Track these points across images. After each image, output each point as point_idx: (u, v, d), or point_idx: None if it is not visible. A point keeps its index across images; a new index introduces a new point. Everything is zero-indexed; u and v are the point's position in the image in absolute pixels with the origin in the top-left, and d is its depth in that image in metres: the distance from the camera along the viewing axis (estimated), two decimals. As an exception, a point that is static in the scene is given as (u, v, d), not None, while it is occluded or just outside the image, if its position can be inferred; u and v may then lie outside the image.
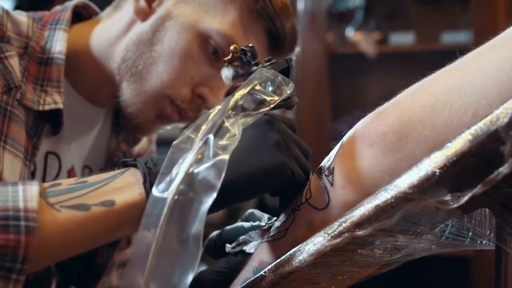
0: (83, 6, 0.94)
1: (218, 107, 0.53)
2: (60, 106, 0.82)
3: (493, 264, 0.47)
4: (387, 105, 0.53)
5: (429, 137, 0.48)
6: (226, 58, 0.61)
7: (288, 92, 0.57)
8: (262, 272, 0.53)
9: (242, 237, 0.64)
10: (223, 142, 0.50)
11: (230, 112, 0.53)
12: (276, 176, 0.56)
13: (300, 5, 2.26)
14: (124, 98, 0.89)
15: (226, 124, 0.52)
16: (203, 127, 0.52)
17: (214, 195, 0.47)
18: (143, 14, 0.88)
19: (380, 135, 0.51)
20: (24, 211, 0.48)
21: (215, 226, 0.80)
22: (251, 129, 0.57)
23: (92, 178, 0.55)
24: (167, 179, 0.50)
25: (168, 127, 0.96)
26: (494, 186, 0.41)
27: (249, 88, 0.55)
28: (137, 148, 1.05)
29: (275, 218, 0.65)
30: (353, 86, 2.49)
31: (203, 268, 0.66)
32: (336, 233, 0.47)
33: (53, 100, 0.81)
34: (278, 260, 0.52)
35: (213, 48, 0.86)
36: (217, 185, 0.47)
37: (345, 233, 0.47)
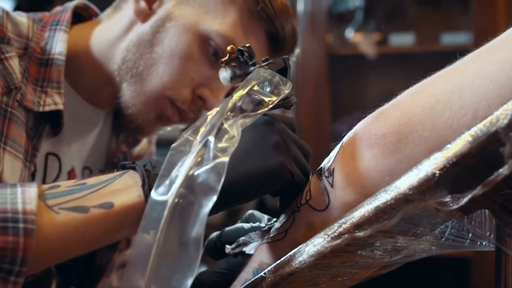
0: (83, 7, 0.94)
1: (216, 109, 0.53)
2: (60, 107, 0.82)
3: (493, 265, 0.47)
4: (387, 106, 0.53)
5: (429, 138, 0.48)
6: (223, 59, 0.61)
7: (286, 91, 0.57)
8: (262, 273, 0.53)
9: (242, 238, 0.64)
10: (222, 144, 0.50)
11: (228, 113, 0.53)
12: (275, 178, 0.56)
13: (300, 6, 2.26)
14: (124, 99, 0.89)
15: (225, 125, 0.52)
16: (202, 129, 0.52)
17: (214, 198, 0.47)
18: (143, 15, 0.88)
19: (380, 136, 0.51)
20: (22, 213, 0.48)
21: (215, 227, 0.80)
22: (250, 131, 0.57)
23: (91, 180, 0.55)
24: (167, 182, 0.49)
25: (168, 128, 0.96)
26: (494, 188, 0.41)
27: (247, 89, 0.55)
28: (137, 149, 1.05)
29: (275, 219, 0.64)
30: (353, 87, 2.49)
31: (203, 269, 0.66)
32: (336, 234, 0.47)
33: (53, 101, 0.81)
34: (278, 261, 0.52)
35: (214, 49, 0.86)
36: (217, 188, 0.47)
37: (345, 234, 0.47)
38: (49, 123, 0.83)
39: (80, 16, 0.94)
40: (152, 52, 0.86)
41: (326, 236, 0.48)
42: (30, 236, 0.48)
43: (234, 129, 0.51)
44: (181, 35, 0.85)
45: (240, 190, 0.55)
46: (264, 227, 0.65)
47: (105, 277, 0.98)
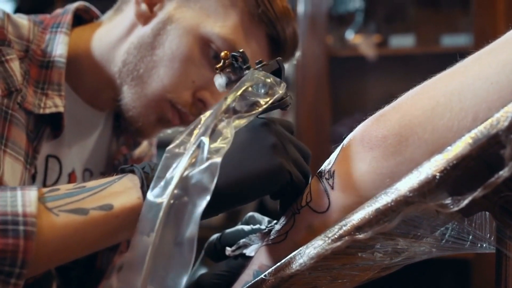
0: (84, 9, 0.94)
1: (210, 111, 0.54)
2: (61, 109, 0.82)
3: (493, 266, 0.47)
4: (387, 108, 0.53)
5: (430, 141, 0.48)
6: (217, 66, 0.61)
7: (280, 92, 0.57)
8: (262, 276, 0.53)
9: (242, 240, 0.64)
10: (215, 145, 0.51)
11: (222, 115, 0.53)
12: (274, 179, 0.56)
13: (300, 8, 2.26)
14: (125, 102, 0.89)
15: (219, 127, 0.52)
16: (196, 131, 0.52)
17: (208, 197, 0.48)
18: (144, 18, 0.88)
19: (380, 139, 0.51)
20: (22, 215, 0.48)
21: (215, 229, 0.80)
22: (247, 132, 0.57)
23: (90, 183, 0.55)
24: (162, 183, 0.50)
25: (169, 131, 0.96)
26: (494, 190, 0.41)
27: (240, 90, 0.56)
28: (138, 152, 1.05)
29: (275, 221, 0.64)
30: (353, 89, 2.49)
31: (203, 271, 0.66)
32: (336, 236, 0.47)
33: (54, 104, 0.81)
34: (279, 264, 0.52)
35: (214, 52, 0.86)
36: (211, 188, 0.48)
37: (345, 237, 0.47)
38: (50, 126, 0.83)
39: (81, 19, 0.94)
40: (153, 54, 0.86)
41: (327, 238, 0.48)
42: (30, 238, 0.48)
43: (228, 130, 0.52)
44: (182, 38, 0.85)
45: (238, 192, 0.55)
46: (265, 229, 0.65)
47: (105, 279, 0.98)
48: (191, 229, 0.47)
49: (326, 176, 0.56)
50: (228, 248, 0.64)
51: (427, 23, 2.40)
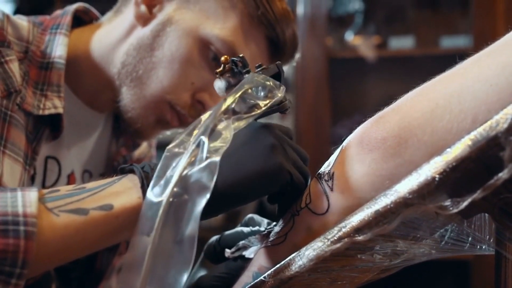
0: (84, 10, 0.94)
1: (209, 112, 0.54)
2: (60, 110, 0.82)
3: (492, 268, 0.47)
4: (386, 110, 0.53)
5: (429, 143, 0.48)
6: (218, 70, 0.62)
7: (280, 95, 0.57)
8: (261, 277, 0.54)
9: (241, 242, 0.64)
10: (214, 144, 0.51)
11: (222, 116, 0.54)
12: (274, 179, 0.56)
13: (300, 10, 2.27)
14: (124, 103, 0.89)
15: (218, 127, 0.53)
16: (196, 131, 0.53)
17: (208, 195, 0.48)
18: (143, 19, 0.88)
19: (380, 140, 0.51)
20: (23, 216, 0.49)
21: (215, 230, 0.80)
22: (247, 133, 0.57)
23: (90, 184, 0.56)
24: (161, 182, 0.51)
25: (168, 132, 0.96)
26: (493, 192, 0.41)
27: (240, 92, 0.56)
28: (137, 153, 1.05)
29: (274, 223, 0.64)
30: (352, 90, 2.49)
31: (202, 273, 0.66)
32: (335, 238, 0.47)
33: (53, 105, 0.81)
34: (278, 265, 0.52)
35: (214, 54, 0.86)
36: (210, 186, 0.48)
37: (344, 238, 0.47)
38: (49, 127, 0.83)
39: (81, 20, 0.94)
40: (152, 56, 0.86)
41: (326, 240, 0.48)
42: (30, 238, 0.48)
43: (227, 130, 0.52)
44: (182, 40, 0.85)
45: (238, 192, 0.55)
46: (264, 231, 0.65)
47: (105, 280, 0.98)
48: (191, 227, 0.48)
49: (326, 178, 0.55)
50: (227, 250, 0.64)
51: (426, 25, 2.40)
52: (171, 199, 0.49)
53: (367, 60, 2.32)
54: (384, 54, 2.37)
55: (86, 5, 0.95)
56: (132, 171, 0.57)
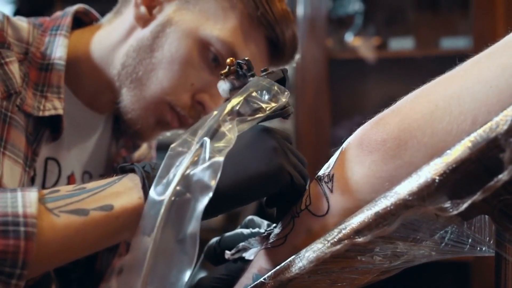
0: (84, 12, 0.94)
1: (214, 112, 0.54)
2: (60, 112, 0.82)
3: (492, 269, 0.47)
4: (386, 112, 0.53)
5: (429, 144, 0.48)
6: (222, 71, 0.62)
7: (284, 100, 0.57)
8: (261, 279, 0.54)
9: (241, 244, 0.64)
10: (218, 144, 0.51)
11: (226, 117, 0.54)
12: (275, 180, 0.56)
13: (300, 11, 2.27)
14: (124, 104, 0.89)
15: (223, 128, 0.53)
16: (200, 131, 0.53)
17: (210, 194, 0.48)
18: (143, 21, 0.88)
19: (379, 142, 0.51)
20: (23, 216, 0.49)
21: (215, 230, 0.80)
22: (249, 135, 0.57)
23: (90, 184, 0.56)
24: (164, 181, 0.51)
25: (168, 133, 0.96)
26: (493, 193, 0.41)
27: (245, 94, 0.56)
28: (137, 154, 1.05)
29: (274, 225, 0.65)
30: (352, 91, 2.49)
31: (202, 274, 0.66)
32: (335, 240, 0.47)
33: (53, 106, 0.81)
34: (278, 267, 0.52)
35: (213, 55, 0.86)
36: (213, 185, 0.48)
37: (344, 240, 0.47)
38: (49, 128, 0.83)
39: (81, 21, 0.94)
40: (152, 57, 0.86)
41: (326, 242, 0.48)
42: (30, 239, 0.48)
43: (231, 132, 0.52)
44: (181, 41, 0.85)
45: (240, 192, 0.56)
46: (264, 232, 0.65)
47: (104, 282, 0.98)
48: (193, 226, 0.48)
49: (325, 179, 0.56)
50: (227, 252, 0.64)
51: (426, 26, 2.40)
52: (173, 198, 0.49)
53: (367, 61, 2.32)
54: (384, 55, 2.37)
55: (86, 6, 0.95)
56: (132, 171, 0.57)
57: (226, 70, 0.62)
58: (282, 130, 0.63)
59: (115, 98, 0.90)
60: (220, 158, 0.50)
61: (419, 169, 0.44)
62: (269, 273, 0.53)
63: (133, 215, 0.54)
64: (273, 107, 0.56)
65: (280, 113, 0.58)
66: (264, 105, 0.56)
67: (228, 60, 0.61)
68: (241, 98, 0.56)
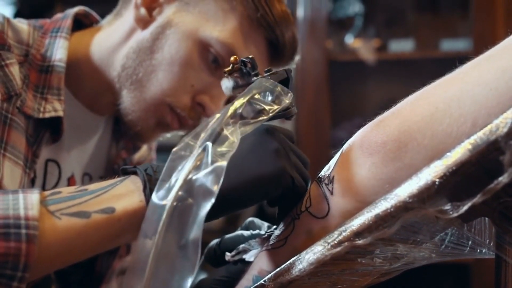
0: (84, 14, 0.94)
1: (217, 115, 0.54)
2: (60, 113, 0.82)
3: (492, 271, 0.47)
4: (386, 114, 0.53)
5: (429, 146, 0.48)
6: (226, 69, 0.62)
7: (287, 101, 0.57)
8: (262, 281, 0.53)
9: (241, 246, 0.64)
10: (221, 149, 0.51)
11: (229, 120, 0.53)
12: (276, 183, 0.56)
13: (300, 12, 2.27)
14: (124, 106, 0.89)
15: (225, 132, 0.52)
16: (202, 135, 0.53)
17: (213, 200, 0.48)
18: (143, 22, 0.88)
19: (380, 144, 0.51)
20: (24, 219, 0.48)
21: (215, 232, 0.80)
22: (251, 137, 0.57)
23: (92, 186, 0.55)
24: (166, 185, 0.50)
25: (168, 135, 0.96)
26: (493, 196, 0.41)
27: (248, 97, 0.56)
28: (137, 156, 1.05)
29: (274, 226, 0.64)
30: (352, 93, 2.49)
31: (203, 276, 0.66)
32: (336, 242, 0.47)
33: (53, 108, 0.81)
34: (278, 269, 0.52)
35: (213, 57, 0.86)
36: (215, 190, 0.48)
37: (345, 242, 0.47)
38: (49, 130, 0.83)
39: (81, 23, 0.94)
40: (152, 59, 0.87)
41: (326, 244, 0.48)
42: (32, 242, 0.48)
43: (234, 136, 0.52)
44: (181, 42, 0.85)
45: (241, 194, 0.56)
46: (264, 234, 0.65)
47: (105, 283, 0.98)
48: (195, 231, 0.47)
49: (326, 181, 0.56)
50: (227, 254, 0.64)
51: (426, 28, 2.40)
52: (175, 203, 0.48)
53: (367, 63, 2.32)
54: (384, 57, 2.37)
55: (87, 8, 0.95)
56: (134, 173, 0.57)
57: (229, 68, 0.61)
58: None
59: (115, 99, 0.90)
60: (223, 163, 0.49)
61: (419, 171, 0.44)
62: (269, 275, 0.53)
63: (135, 218, 0.54)
64: (276, 109, 0.56)
65: (283, 114, 0.58)
66: (267, 107, 0.56)
67: (232, 58, 0.61)
68: (244, 100, 0.55)
